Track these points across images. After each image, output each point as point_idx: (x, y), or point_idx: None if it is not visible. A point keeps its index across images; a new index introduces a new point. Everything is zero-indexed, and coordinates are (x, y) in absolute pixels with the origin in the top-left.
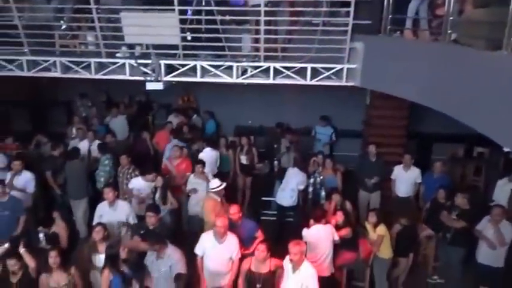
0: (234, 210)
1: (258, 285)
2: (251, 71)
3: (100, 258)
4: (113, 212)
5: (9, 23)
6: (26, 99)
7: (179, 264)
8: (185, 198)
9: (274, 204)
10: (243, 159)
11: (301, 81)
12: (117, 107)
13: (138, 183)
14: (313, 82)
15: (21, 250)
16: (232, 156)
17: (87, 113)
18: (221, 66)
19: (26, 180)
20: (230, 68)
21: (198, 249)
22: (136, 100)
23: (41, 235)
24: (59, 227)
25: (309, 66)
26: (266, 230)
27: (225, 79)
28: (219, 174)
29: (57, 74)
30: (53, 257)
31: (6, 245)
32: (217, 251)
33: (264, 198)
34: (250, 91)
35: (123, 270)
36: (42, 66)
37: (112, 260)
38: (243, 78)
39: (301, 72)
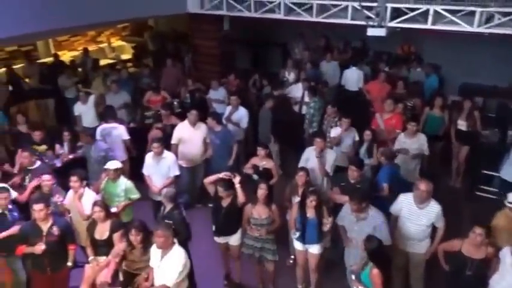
0: None
1: (467, 272)
2: (499, 19)
3: (296, 199)
4: (319, 159)
5: None
6: (248, 39)
7: (383, 227)
8: None
9: (498, 180)
10: (461, 125)
11: None
12: (331, 52)
13: (336, 133)
14: None
15: (237, 185)
16: (447, 118)
17: (301, 56)
18: (460, 11)
19: (241, 115)
20: (471, 14)
21: (394, 209)
22: (352, 46)
23: (255, 176)
24: (270, 163)
25: None
26: (486, 210)
27: (463, 28)
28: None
29: (280, 15)
30: (262, 190)
31: (221, 175)
32: (415, 216)
33: (485, 172)
34: (486, 43)
35: (308, 217)
36: (267, 8)
37: (302, 204)
38: (486, 28)
39: None
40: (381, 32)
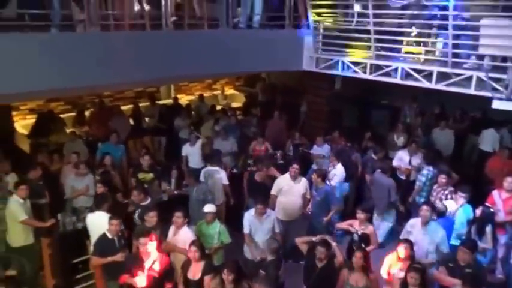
0: None
1: None
2: None
3: (399, 274)
4: (423, 232)
5: (363, 27)
6: (357, 97)
7: None
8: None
9: None
10: None
11: None
12: (447, 120)
13: (450, 207)
14: None
15: (333, 244)
16: None
17: (412, 121)
18: None
19: (336, 173)
20: None
21: None
22: (470, 115)
23: (355, 235)
24: (369, 229)
25: None
26: None
27: None
28: None
29: (396, 80)
30: (358, 258)
31: (315, 238)
32: None
33: None
34: None
35: None
36: (383, 71)
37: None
38: None
39: None
40: (508, 106)
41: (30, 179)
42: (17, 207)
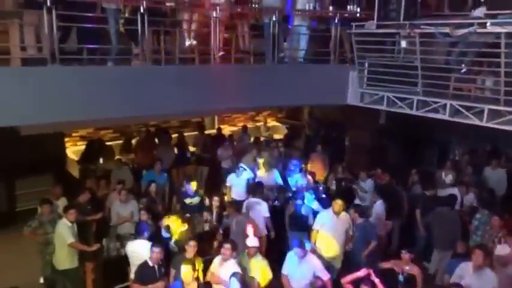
0: None
1: None
2: None
3: None
4: (476, 278)
5: (409, 63)
6: (403, 133)
7: None
8: None
9: None
10: None
11: None
12: (499, 158)
13: (504, 252)
14: None
15: (376, 280)
16: None
17: (459, 158)
18: None
19: (375, 209)
20: None
21: None
22: None
23: (401, 276)
24: (415, 269)
25: None
26: None
27: None
28: None
29: (444, 116)
30: None
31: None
32: None
33: None
34: None
35: None
36: (430, 107)
37: None
38: None
39: None
40: None
41: (80, 202)
42: (65, 230)
